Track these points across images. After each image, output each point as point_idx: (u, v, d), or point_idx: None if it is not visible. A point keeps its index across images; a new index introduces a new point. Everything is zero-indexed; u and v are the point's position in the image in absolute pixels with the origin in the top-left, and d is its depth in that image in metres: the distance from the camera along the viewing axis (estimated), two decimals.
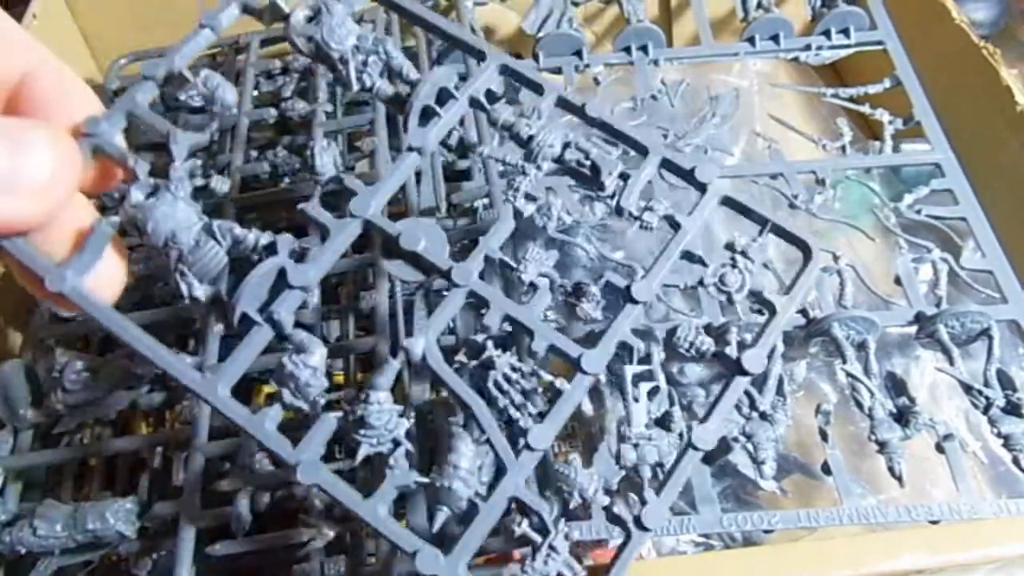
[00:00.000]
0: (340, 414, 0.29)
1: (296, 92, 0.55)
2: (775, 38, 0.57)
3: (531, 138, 0.32)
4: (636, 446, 0.32)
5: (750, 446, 0.36)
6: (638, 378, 0.35)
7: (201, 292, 0.30)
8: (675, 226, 0.31)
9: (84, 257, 0.29)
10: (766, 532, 0.37)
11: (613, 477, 0.34)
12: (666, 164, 0.32)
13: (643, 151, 0.33)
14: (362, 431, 0.29)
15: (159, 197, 0.29)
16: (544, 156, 0.32)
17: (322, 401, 0.29)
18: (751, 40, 0.57)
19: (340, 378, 0.45)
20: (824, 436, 0.39)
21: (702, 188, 0.32)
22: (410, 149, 0.32)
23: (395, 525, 0.27)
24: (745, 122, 0.58)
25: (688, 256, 0.32)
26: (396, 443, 0.29)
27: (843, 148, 0.52)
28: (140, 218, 0.29)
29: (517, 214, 0.32)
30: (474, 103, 0.33)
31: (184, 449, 0.40)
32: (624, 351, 0.30)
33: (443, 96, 0.33)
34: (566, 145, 0.32)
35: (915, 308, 0.43)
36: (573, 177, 0.33)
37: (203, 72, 0.32)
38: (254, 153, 0.51)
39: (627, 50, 0.57)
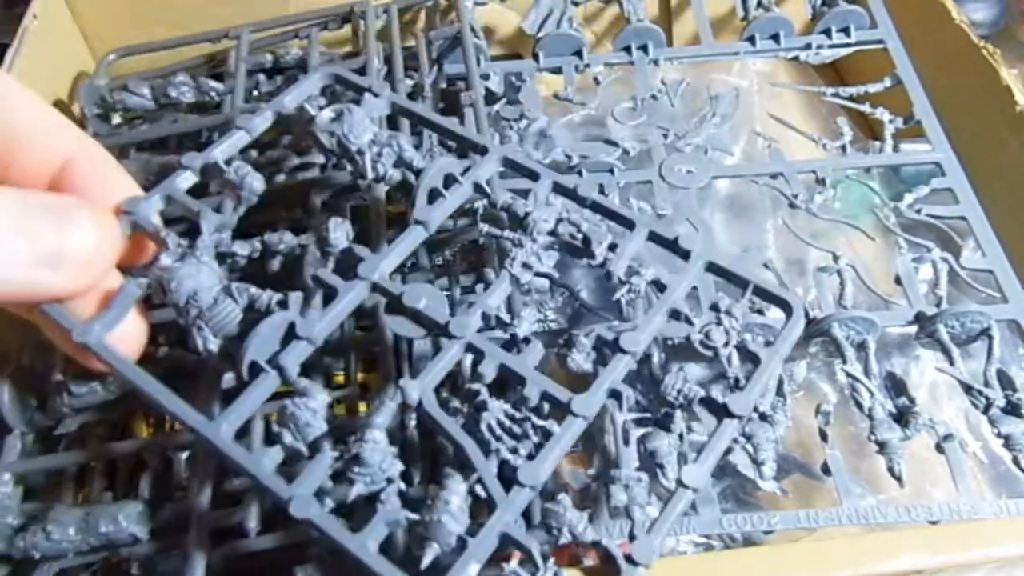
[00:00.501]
0: (337, 454, 0.30)
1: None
2: (775, 37, 0.57)
3: (527, 214, 0.36)
4: (627, 487, 0.33)
5: (750, 447, 0.36)
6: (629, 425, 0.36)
7: (215, 346, 0.33)
8: (661, 288, 0.35)
9: (111, 313, 0.32)
10: (766, 533, 0.37)
11: (614, 496, 0.34)
12: (652, 236, 0.36)
13: (630, 225, 0.36)
14: (357, 468, 0.30)
15: (185, 261, 0.33)
16: (539, 230, 0.36)
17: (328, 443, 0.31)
18: (751, 39, 0.57)
19: (340, 378, 0.45)
20: (824, 436, 0.39)
21: (685, 255, 0.35)
22: (417, 223, 0.35)
23: (383, 560, 0.27)
24: (745, 122, 0.58)
25: (675, 315, 0.34)
26: (389, 481, 0.30)
27: (843, 148, 0.52)
28: (166, 278, 0.32)
29: (514, 280, 0.35)
30: (476, 188, 0.37)
31: (185, 451, 0.41)
32: (614, 398, 0.32)
33: (448, 181, 0.37)
34: (559, 220, 0.36)
35: (915, 308, 0.43)
36: (566, 249, 0.36)
37: (235, 163, 0.37)
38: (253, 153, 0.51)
39: (627, 50, 0.57)
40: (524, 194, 0.38)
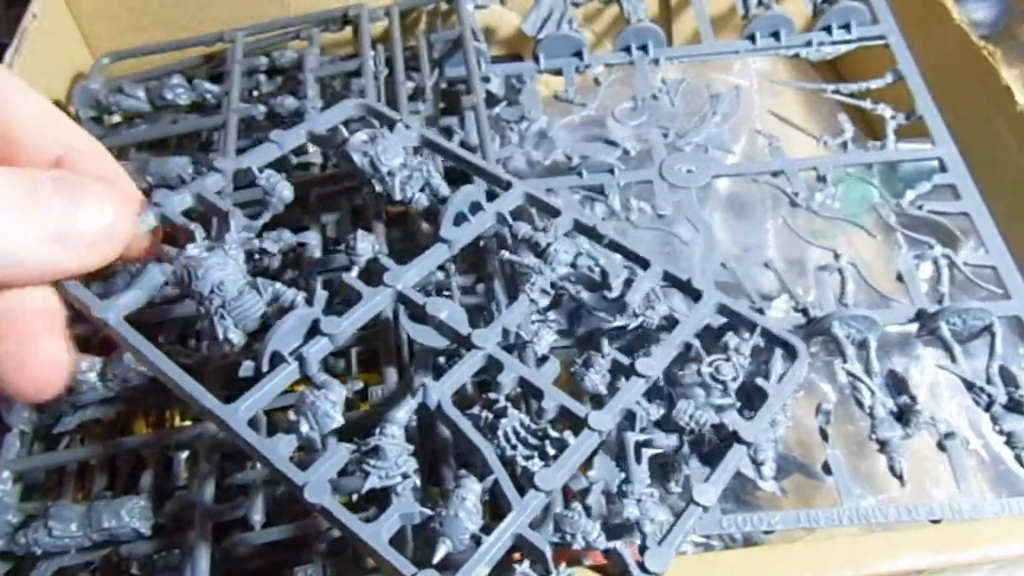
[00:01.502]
0: (354, 446, 0.31)
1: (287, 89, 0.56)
2: (776, 35, 0.57)
3: (548, 245, 0.38)
4: (639, 501, 0.34)
5: None
6: (641, 444, 0.37)
7: (235, 336, 0.33)
8: (673, 323, 0.37)
9: (132, 294, 0.33)
10: (766, 532, 0.37)
11: (614, 481, 0.34)
12: (666, 276, 0.38)
13: (644, 264, 0.38)
14: (374, 461, 0.30)
15: (214, 252, 0.34)
16: (558, 261, 0.38)
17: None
18: (751, 37, 0.57)
19: (341, 378, 0.45)
20: (824, 436, 0.39)
21: (697, 296, 0.37)
22: (443, 241, 0.37)
23: (395, 552, 0.28)
24: (746, 120, 0.58)
25: (687, 349, 0.36)
26: (405, 476, 0.30)
27: (844, 145, 0.52)
28: (193, 266, 0.33)
29: (532, 303, 0.37)
30: (499, 218, 0.39)
31: (185, 449, 0.41)
32: (628, 419, 0.34)
33: (474, 207, 0.39)
34: (578, 254, 0.38)
35: (916, 306, 0.43)
36: (583, 282, 0.39)
37: (265, 171, 0.39)
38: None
39: (627, 50, 0.57)
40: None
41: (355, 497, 0.35)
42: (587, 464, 0.38)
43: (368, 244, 0.38)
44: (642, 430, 0.35)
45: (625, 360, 0.35)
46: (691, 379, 0.40)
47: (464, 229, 0.38)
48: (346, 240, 0.38)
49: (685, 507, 0.31)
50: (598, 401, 0.36)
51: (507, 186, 0.40)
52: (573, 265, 0.38)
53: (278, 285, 0.34)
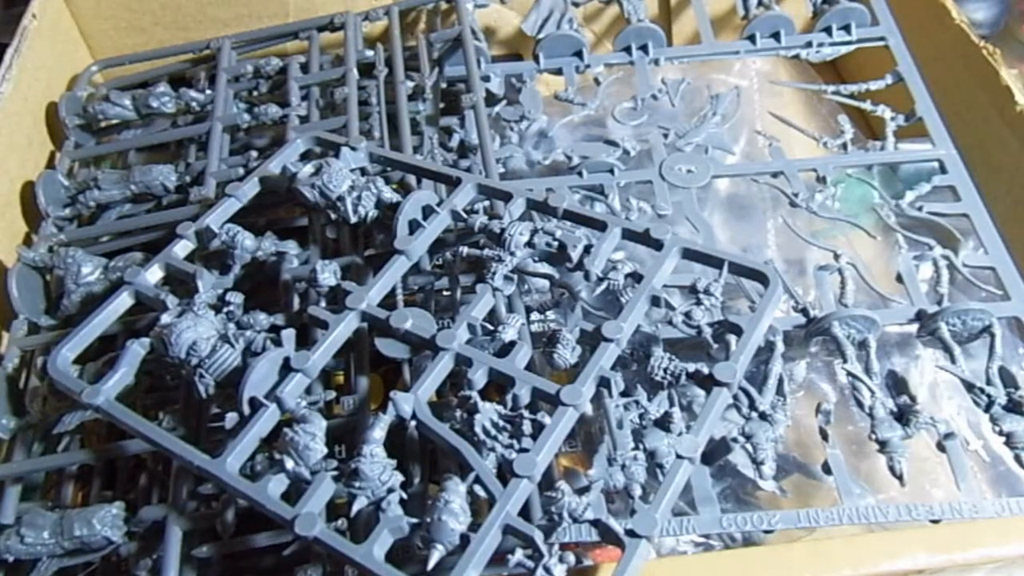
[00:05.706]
0: (335, 472, 0.31)
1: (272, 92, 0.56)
2: (776, 36, 0.57)
3: (503, 231, 0.38)
4: (624, 467, 0.34)
5: (750, 446, 0.36)
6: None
7: (216, 391, 0.35)
8: (638, 279, 0.37)
9: (117, 374, 0.35)
10: (766, 532, 0.37)
11: (612, 478, 0.34)
12: (625, 234, 0.38)
13: (602, 227, 0.38)
14: (357, 483, 0.31)
15: (183, 316, 0.36)
16: (516, 244, 0.38)
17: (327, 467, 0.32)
18: (752, 38, 0.57)
19: (340, 379, 0.45)
20: (824, 436, 0.39)
21: (659, 246, 0.37)
22: (399, 253, 0.38)
23: (391, 568, 0.28)
24: (746, 121, 0.58)
25: (655, 301, 0.36)
26: (390, 491, 0.31)
27: (844, 146, 0.52)
28: (166, 334, 0.35)
29: (495, 291, 0.38)
30: (454, 215, 0.40)
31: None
32: (604, 386, 0.34)
33: (426, 211, 0.40)
34: (534, 231, 0.38)
35: (916, 306, 0.43)
36: (544, 257, 0.39)
37: (225, 225, 0.40)
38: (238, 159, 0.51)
39: (627, 49, 0.57)
40: None
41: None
42: (587, 460, 0.38)
43: (330, 273, 0.39)
44: (623, 394, 0.35)
45: (588, 326, 0.35)
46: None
47: (419, 236, 0.38)
48: (311, 274, 0.39)
49: (671, 463, 0.31)
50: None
51: (457, 182, 0.40)
52: (531, 244, 0.38)
53: (248, 333, 0.36)
